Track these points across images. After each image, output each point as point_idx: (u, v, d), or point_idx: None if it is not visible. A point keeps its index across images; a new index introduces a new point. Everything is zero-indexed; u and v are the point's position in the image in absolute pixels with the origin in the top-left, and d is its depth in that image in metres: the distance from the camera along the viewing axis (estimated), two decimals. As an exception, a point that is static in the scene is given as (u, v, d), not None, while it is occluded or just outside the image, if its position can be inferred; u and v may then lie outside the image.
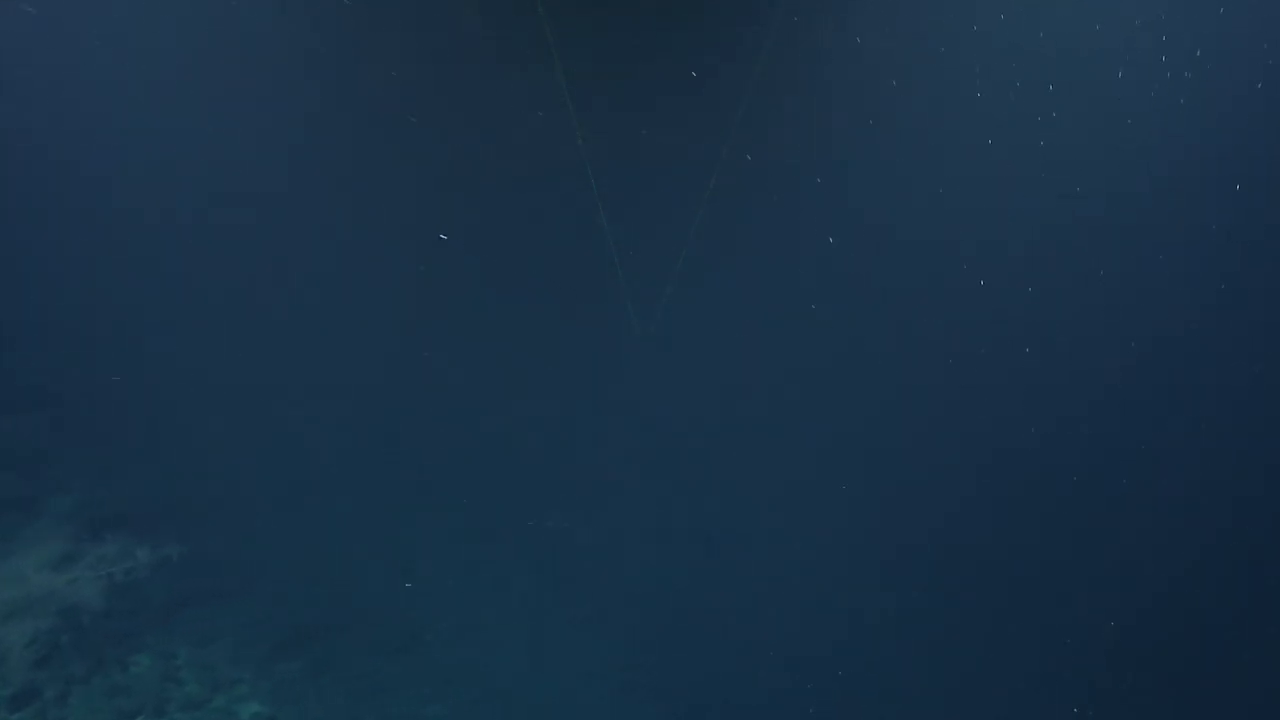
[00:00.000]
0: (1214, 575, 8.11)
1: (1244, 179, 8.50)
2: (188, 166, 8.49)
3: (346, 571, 7.41)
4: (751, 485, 8.64)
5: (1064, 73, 8.45)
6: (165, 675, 6.27)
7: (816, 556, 8.09)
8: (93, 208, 8.72)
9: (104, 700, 5.97)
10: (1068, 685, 7.39)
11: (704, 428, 8.98)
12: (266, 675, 6.42)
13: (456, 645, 6.99)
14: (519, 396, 8.92)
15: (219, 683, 6.31)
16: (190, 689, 6.23)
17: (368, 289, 8.89)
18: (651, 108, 8.56)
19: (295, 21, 8.13)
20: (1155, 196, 8.63)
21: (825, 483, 8.58)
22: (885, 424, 8.85)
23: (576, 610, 7.51)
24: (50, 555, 6.97)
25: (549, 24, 7.93)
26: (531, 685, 6.70)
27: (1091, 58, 8.39)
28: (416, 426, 8.66)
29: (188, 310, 8.66)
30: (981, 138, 8.64)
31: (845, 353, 9.02)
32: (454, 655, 6.90)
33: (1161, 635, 7.79)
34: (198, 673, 6.36)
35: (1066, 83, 8.49)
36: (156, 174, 8.52)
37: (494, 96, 8.52)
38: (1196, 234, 8.66)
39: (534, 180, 8.77)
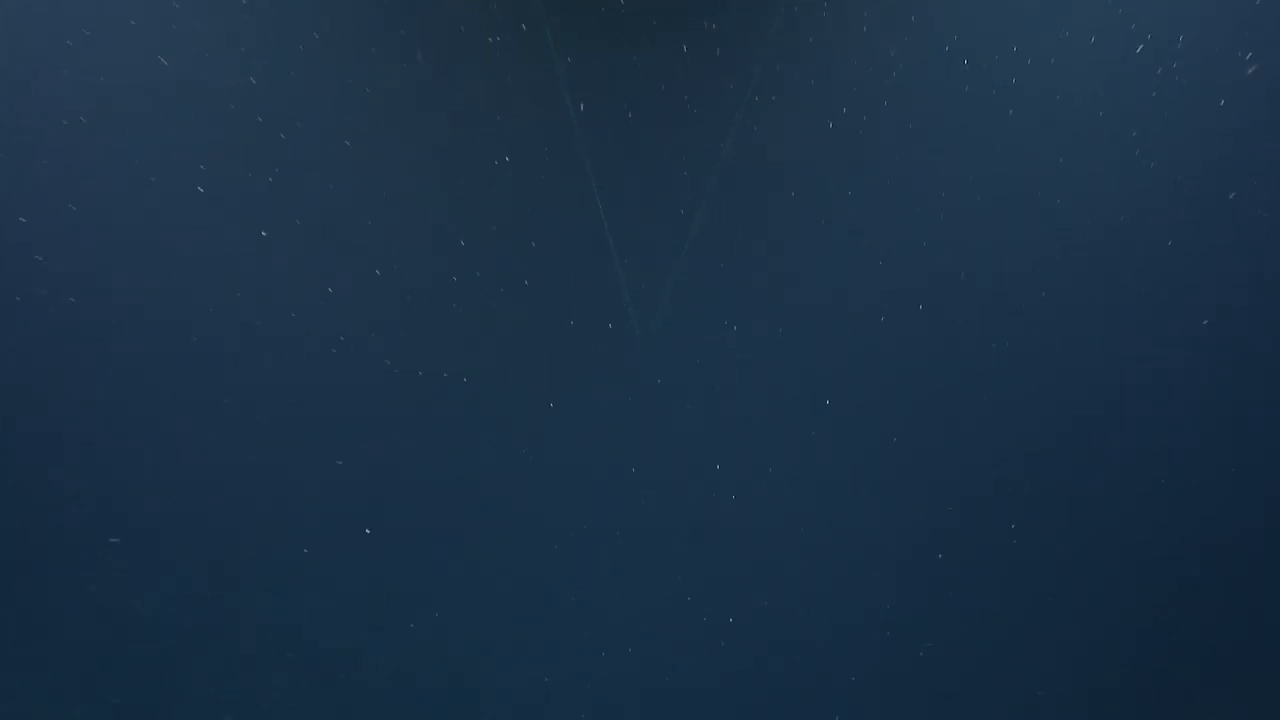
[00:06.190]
0: (1220, 577, 8.04)
1: (1252, 180, 8.50)
2: (174, 172, 8.54)
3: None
4: (753, 485, 8.62)
5: (1078, 71, 8.51)
6: None
7: (818, 557, 8.06)
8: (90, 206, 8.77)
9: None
10: (1072, 686, 7.32)
11: (705, 428, 8.97)
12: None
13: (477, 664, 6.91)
14: (517, 397, 8.91)
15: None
16: None
17: (360, 290, 8.92)
18: (652, 107, 8.61)
19: (291, 18, 8.21)
20: (1159, 199, 8.64)
21: (827, 483, 8.55)
22: (888, 424, 8.83)
23: (574, 610, 7.47)
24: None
25: (549, 24, 8.00)
26: (517, 683, 6.63)
27: (1102, 55, 8.44)
28: (411, 428, 8.64)
29: (173, 316, 8.68)
30: (987, 137, 8.67)
31: (847, 353, 9.02)
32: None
33: (1164, 636, 7.73)
34: None
35: (1077, 81, 8.53)
36: (142, 175, 8.58)
37: (492, 96, 8.59)
38: (1204, 235, 8.66)
39: (533, 180, 8.81)
